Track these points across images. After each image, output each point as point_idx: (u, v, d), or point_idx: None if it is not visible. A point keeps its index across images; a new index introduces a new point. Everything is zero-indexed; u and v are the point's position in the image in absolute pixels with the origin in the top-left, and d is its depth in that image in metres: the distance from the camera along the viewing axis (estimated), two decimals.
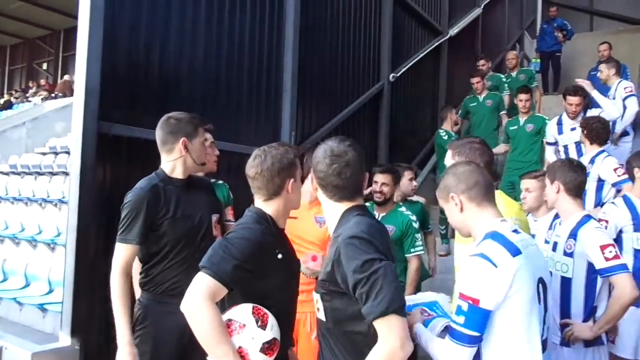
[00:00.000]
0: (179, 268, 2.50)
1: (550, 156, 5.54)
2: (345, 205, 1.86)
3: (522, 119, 6.21)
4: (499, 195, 2.66)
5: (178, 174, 2.59)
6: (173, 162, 2.60)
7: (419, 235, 3.91)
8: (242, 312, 1.86)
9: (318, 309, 1.82)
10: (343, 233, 1.74)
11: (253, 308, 1.86)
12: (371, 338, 1.65)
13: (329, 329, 1.79)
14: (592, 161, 4.46)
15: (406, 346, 1.61)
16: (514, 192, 5.39)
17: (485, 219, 1.98)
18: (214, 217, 2.64)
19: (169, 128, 2.60)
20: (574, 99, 5.31)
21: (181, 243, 2.50)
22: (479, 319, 1.82)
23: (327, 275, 1.75)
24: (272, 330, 1.86)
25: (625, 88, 5.70)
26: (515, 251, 1.85)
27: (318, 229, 2.95)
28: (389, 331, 1.61)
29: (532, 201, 3.56)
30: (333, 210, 1.88)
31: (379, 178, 3.85)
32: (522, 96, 6.20)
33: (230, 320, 1.84)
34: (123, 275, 2.43)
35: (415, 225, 3.89)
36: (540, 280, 1.92)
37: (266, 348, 1.83)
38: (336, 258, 1.70)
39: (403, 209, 4.00)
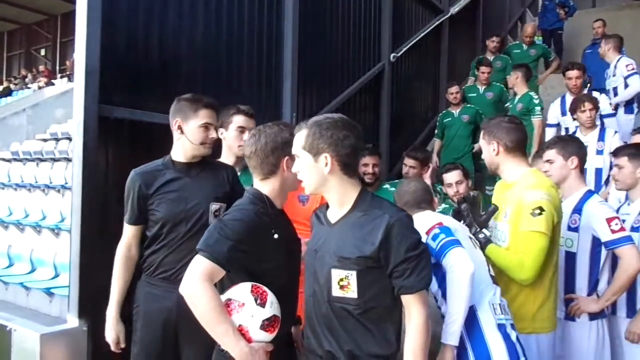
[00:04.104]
0: (166, 251, 2.50)
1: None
2: (358, 184, 1.95)
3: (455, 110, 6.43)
4: (532, 173, 2.59)
5: (179, 157, 2.58)
6: (175, 145, 2.60)
7: None
8: (241, 291, 1.88)
9: (343, 287, 1.84)
10: (389, 212, 1.82)
11: (252, 286, 1.89)
12: (390, 310, 1.85)
13: (359, 305, 1.84)
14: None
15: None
16: None
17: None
18: (214, 206, 2.51)
19: (171, 110, 2.61)
20: (572, 73, 5.25)
21: (168, 226, 2.49)
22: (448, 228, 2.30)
23: (370, 252, 1.79)
24: (272, 308, 1.88)
25: (627, 65, 5.59)
26: None
27: (302, 208, 2.97)
28: (423, 304, 1.82)
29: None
30: (349, 188, 1.93)
31: (369, 160, 3.89)
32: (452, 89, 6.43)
33: (229, 299, 1.87)
34: (120, 253, 2.59)
35: None
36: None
37: (266, 325, 1.85)
38: (385, 236, 1.78)
39: (387, 186, 4.07)
